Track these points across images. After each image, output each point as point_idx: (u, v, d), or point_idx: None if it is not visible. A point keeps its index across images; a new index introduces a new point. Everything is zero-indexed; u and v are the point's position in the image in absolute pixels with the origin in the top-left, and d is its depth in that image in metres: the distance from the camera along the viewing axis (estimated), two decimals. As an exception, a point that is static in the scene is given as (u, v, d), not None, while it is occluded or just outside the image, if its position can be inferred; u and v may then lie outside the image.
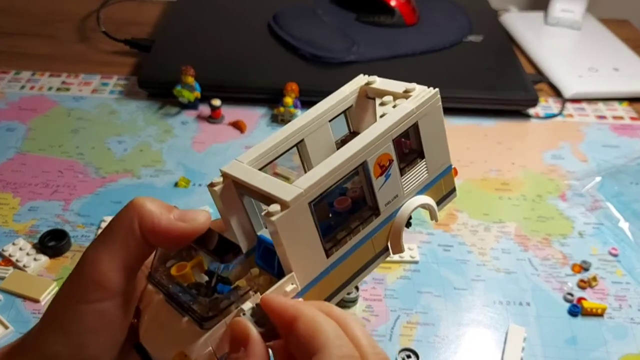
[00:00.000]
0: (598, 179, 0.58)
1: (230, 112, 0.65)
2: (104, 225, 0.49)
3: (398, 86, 0.28)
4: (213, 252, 0.23)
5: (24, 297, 0.43)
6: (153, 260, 0.25)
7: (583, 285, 0.47)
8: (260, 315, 0.22)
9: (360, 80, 0.30)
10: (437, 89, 0.27)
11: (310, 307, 0.23)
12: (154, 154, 0.59)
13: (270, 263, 0.25)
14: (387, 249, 0.27)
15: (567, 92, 0.71)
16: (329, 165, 0.24)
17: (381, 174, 0.26)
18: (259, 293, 0.23)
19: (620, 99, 0.72)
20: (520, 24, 0.84)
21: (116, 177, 0.56)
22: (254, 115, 0.65)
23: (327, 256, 0.25)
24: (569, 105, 0.71)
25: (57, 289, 0.44)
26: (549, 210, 0.55)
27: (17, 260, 0.46)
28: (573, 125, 0.67)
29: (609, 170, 0.59)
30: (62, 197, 0.53)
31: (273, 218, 0.22)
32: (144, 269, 0.25)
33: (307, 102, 0.65)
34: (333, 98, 0.29)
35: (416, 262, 0.48)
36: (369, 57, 0.70)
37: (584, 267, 0.49)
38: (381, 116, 0.26)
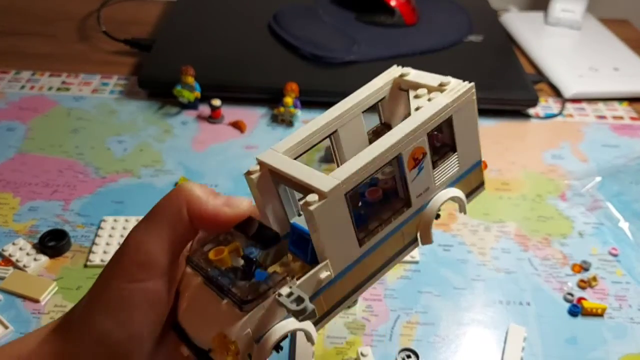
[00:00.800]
0: (598, 178, 0.58)
1: (230, 112, 0.65)
2: (104, 225, 0.49)
3: (433, 79, 0.29)
4: (253, 237, 0.24)
5: (24, 297, 0.43)
6: (191, 244, 0.25)
7: (583, 285, 0.47)
8: (296, 297, 0.23)
9: (394, 71, 0.30)
10: (472, 83, 0.28)
11: None
12: (154, 153, 0.59)
13: (303, 250, 0.26)
14: (416, 239, 0.28)
15: (567, 92, 0.71)
16: (365, 158, 0.24)
17: (414, 167, 0.26)
18: (295, 279, 0.24)
19: (620, 99, 0.72)
20: (521, 24, 0.84)
21: (116, 177, 0.56)
22: (254, 115, 0.65)
23: (360, 245, 0.25)
24: (569, 105, 0.71)
25: (57, 288, 0.44)
26: (549, 210, 0.55)
27: (17, 260, 0.46)
28: (573, 125, 0.67)
29: (609, 170, 0.59)
30: (62, 197, 0.53)
31: (311, 207, 0.23)
32: (183, 252, 0.25)
33: (307, 102, 0.66)
34: (367, 89, 0.30)
35: (416, 262, 0.48)
36: (369, 57, 0.70)
37: (584, 267, 0.49)
38: (416, 109, 0.27)
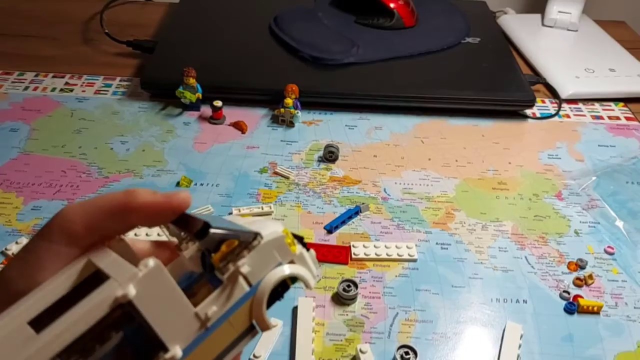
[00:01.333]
0: (594, 178, 0.58)
1: (232, 113, 0.66)
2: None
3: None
4: (189, 232, 0.24)
5: (29, 295, 0.44)
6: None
7: (579, 283, 0.48)
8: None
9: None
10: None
11: None
12: (156, 154, 0.60)
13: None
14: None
15: (564, 93, 0.72)
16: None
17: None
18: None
19: (616, 100, 0.73)
20: (518, 26, 0.85)
21: (119, 177, 0.56)
22: (255, 116, 0.66)
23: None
24: (565, 106, 0.71)
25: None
26: (546, 209, 0.55)
27: (21, 259, 0.47)
28: (569, 125, 0.68)
29: (604, 169, 0.60)
30: (65, 196, 0.54)
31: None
32: (112, 242, 0.25)
33: (307, 102, 0.66)
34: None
35: (414, 261, 0.49)
36: (368, 59, 0.71)
37: (580, 265, 0.49)
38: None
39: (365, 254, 0.49)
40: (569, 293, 0.47)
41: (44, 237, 0.24)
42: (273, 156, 0.60)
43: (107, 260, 0.23)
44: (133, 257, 0.25)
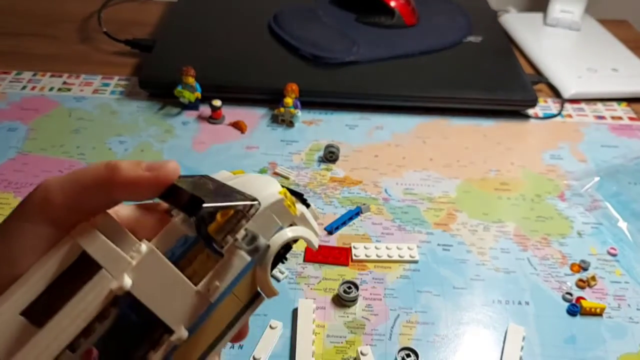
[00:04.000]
0: (597, 179, 0.58)
1: (231, 113, 0.65)
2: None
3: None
4: (178, 206, 0.22)
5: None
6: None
7: (582, 284, 0.47)
8: (251, 237, 0.23)
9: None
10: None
11: None
12: (155, 154, 0.59)
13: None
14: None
15: (566, 93, 0.71)
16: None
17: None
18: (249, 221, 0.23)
19: (619, 100, 0.72)
20: (520, 25, 0.85)
21: (117, 177, 0.56)
22: (255, 116, 0.66)
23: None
24: (568, 106, 0.71)
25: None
26: (548, 210, 0.55)
27: (18, 260, 0.46)
28: (572, 125, 0.68)
29: (607, 170, 0.59)
30: (64, 197, 0.53)
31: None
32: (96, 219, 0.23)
33: (307, 102, 0.66)
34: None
35: (415, 262, 0.49)
36: (369, 58, 0.71)
37: (582, 266, 0.49)
38: None
39: (366, 255, 0.49)
40: (571, 295, 0.46)
41: (23, 219, 0.23)
42: (273, 156, 0.60)
43: (96, 244, 0.22)
44: (121, 233, 0.23)
